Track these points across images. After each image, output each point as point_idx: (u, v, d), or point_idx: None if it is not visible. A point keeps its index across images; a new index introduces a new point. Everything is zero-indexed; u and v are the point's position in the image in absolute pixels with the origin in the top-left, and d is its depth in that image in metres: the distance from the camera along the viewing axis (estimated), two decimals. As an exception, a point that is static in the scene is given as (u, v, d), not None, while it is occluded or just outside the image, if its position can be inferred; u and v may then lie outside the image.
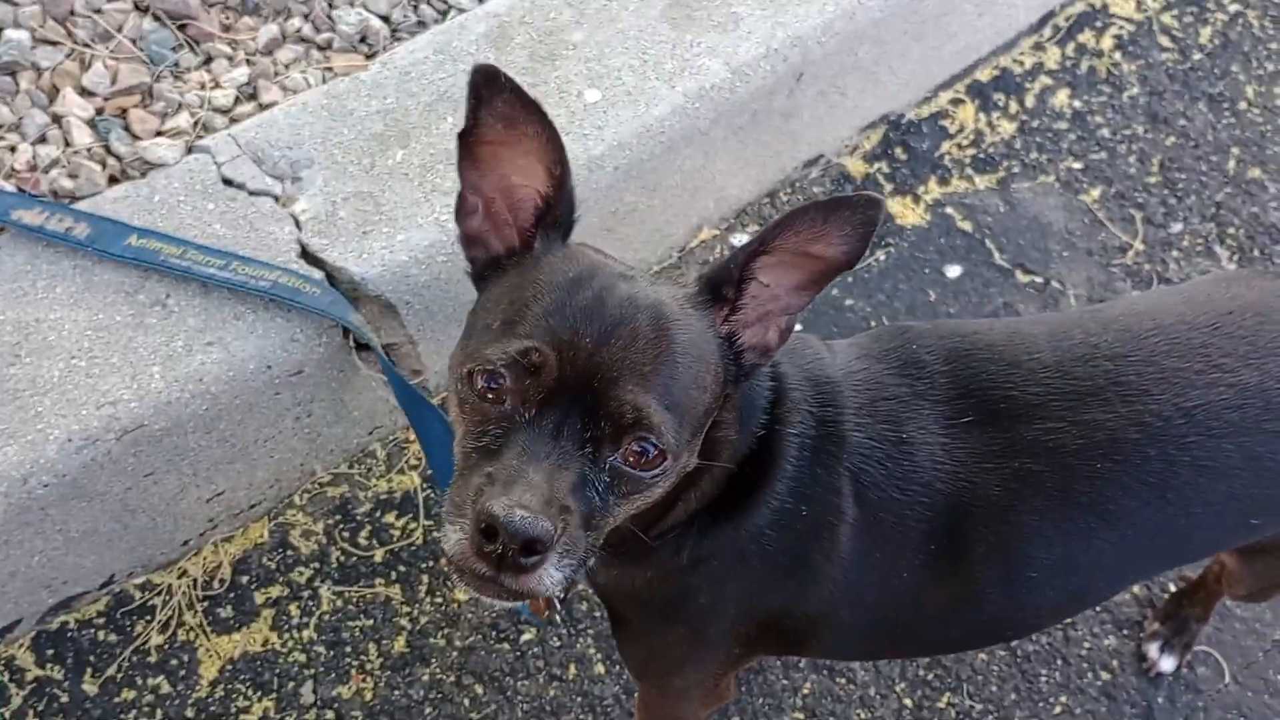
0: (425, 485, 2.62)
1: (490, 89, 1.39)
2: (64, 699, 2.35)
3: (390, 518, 2.59)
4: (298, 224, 2.42)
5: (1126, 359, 1.67)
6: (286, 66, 2.71)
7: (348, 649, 2.46)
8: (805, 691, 2.50)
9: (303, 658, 2.45)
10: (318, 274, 2.36)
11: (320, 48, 2.76)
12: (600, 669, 2.48)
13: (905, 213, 3.16)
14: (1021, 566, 1.67)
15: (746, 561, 1.68)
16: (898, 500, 1.66)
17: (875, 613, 1.76)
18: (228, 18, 2.74)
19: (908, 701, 2.52)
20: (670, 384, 1.37)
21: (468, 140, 1.46)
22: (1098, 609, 2.63)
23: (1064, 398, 1.66)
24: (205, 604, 2.47)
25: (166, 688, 2.39)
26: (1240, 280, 1.82)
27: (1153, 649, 2.58)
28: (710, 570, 1.69)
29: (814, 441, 1.66)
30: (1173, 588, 2.66)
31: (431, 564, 2.55)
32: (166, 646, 2.43)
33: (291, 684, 2.42)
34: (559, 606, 2.00)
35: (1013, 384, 1.68)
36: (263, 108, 2.63)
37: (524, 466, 1.30)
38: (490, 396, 1.36)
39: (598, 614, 2.52)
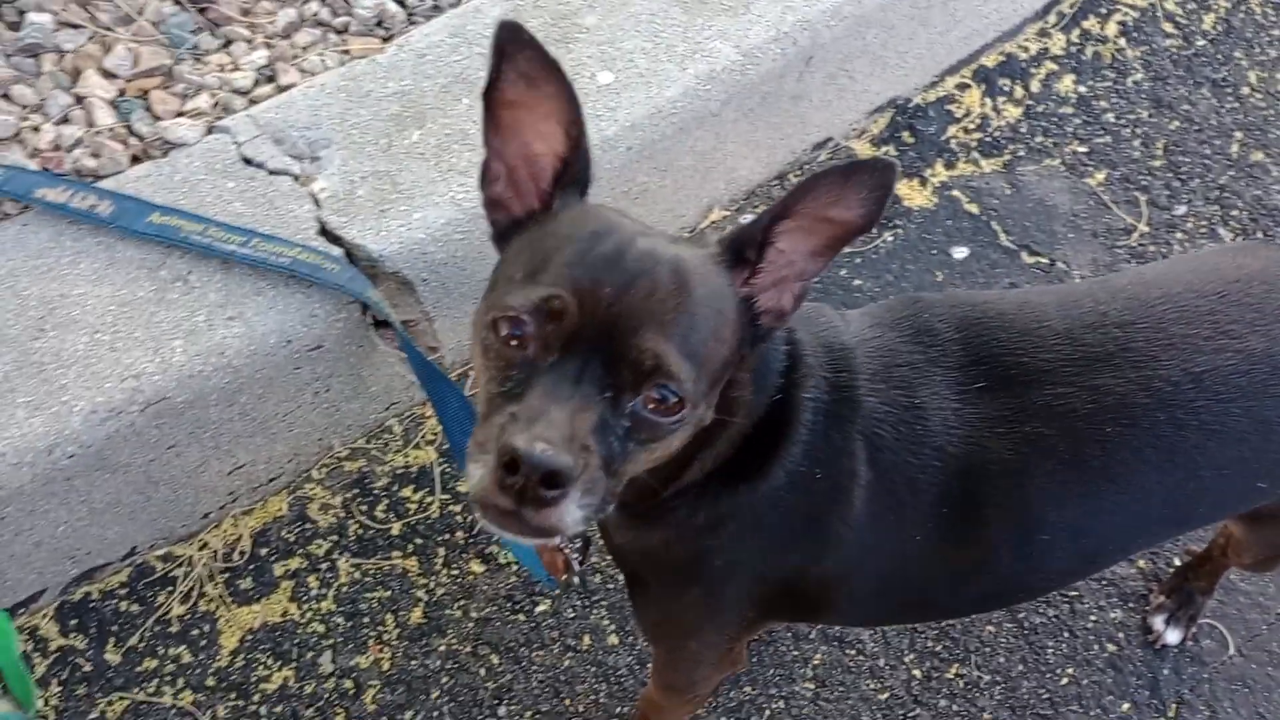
0: (441, 460, 2.66)
1: (514, 45, 1.43)
2: (87, 668, 2.40)
3: (407, 491, 2.63)
4: (316, 202, 2.46)
5: (1135, 326, 1.71)
6: (304, 49, 2.75)
7: (365, 620, 2.50)
8: (816, 662, 2.54)
9: (321, 628, 2.49)
10: (337, 251, 2.40)
11: (337, 31, 2.80)
12: (614, 640, 2.52)
13: (912, 195, 3.20)
14: (1033, 529, 1.71)
15: (762, 523, 1.72)
16: (911, 464, 1.69)
17: (888, 576, 1.80)
18: (247, 1, 2.78)
19: (916, 672, 2.55)
20: (689, 333, 1.40)
21: (491, 99, 1.49)
22: (1103, 582, 2.67)
23: (1074, 364, 1.69)
24: (225, 575, 2.51)
25: (188, 657, 2.43)
26: (1247, 250, 1.85)
27: (1158, 621, 2.61)
28: (727, 531, 1.72)
29: (828, 406, 1.69)
30: (1178, 561, 2.70)
31: (448, 537, 2.59)
32: (188, 617, 2.47)
33: (310, 654, 2.47)
34: (577, 569, 2.03)
35: (1023, 350, 1.71)
36: (281, 90, 2.66)
37: (546, 406, 1.33)
38: (514, 343, 1.40)
39: (611, 585, 2.56)
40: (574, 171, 1.54)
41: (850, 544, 1.74)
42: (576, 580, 2.55)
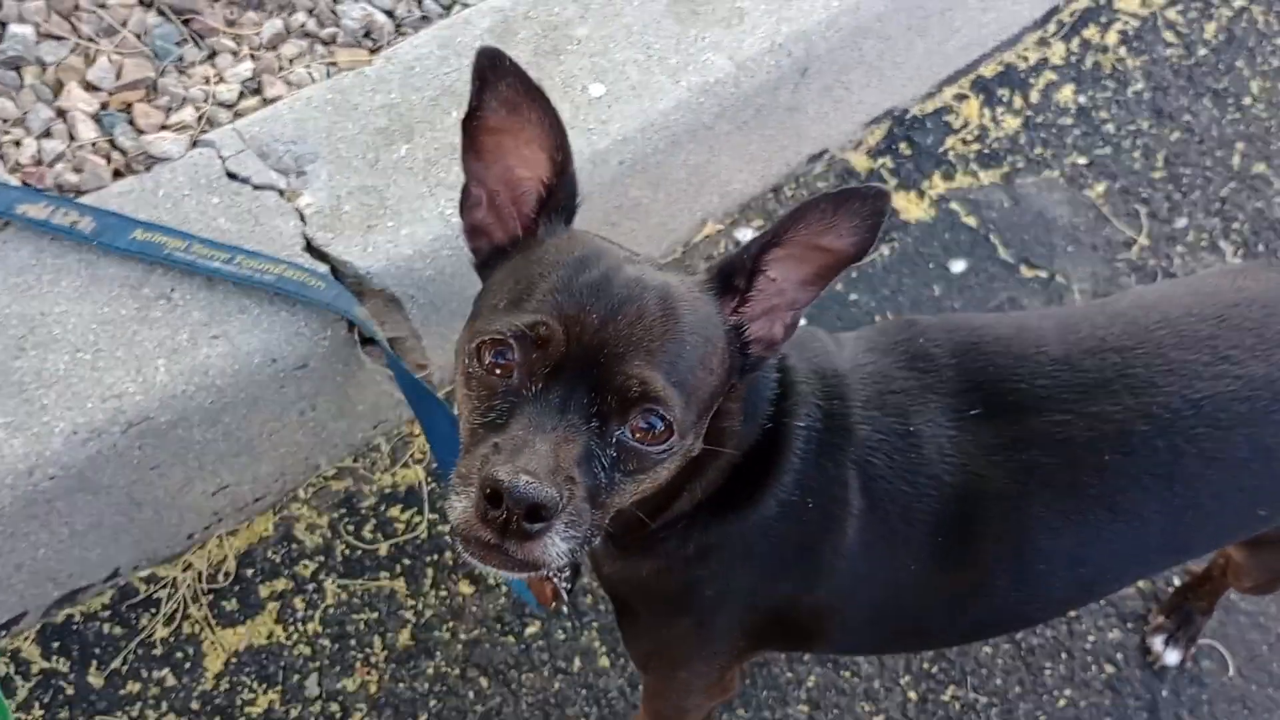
0: (430, 479, 2.62)
1: (495, 72, 1.40)
2: (69, 691, 2.36)
3: (395, 511, 2.59)
4: (302, 218, 2.42)
5: (1134, 351, 1.67)
6: (291, 61, 2.71)
7: (352, 642, 2.47)
8: (810, 684, 2.50)
9: (308, 650, 2.45)
10: (322, 268, 2.36)
11: (324, 42, 2.76)
12: (605, 662, 2.48)
13: (910, 208, 3.16)
14: (1030, 558, 1.67)
15: (753, 553, 1.68)
16: (906, 493, 1.66)
17: (882, 605, 1.76)
18: (232, 12, 2.75)
19: (912, 695, 2.52)
20: (677, 361, 1.37)
21: (471, 126, 1.46)
22: (1102, 603, 2.63)
23: (1072, 390, 1.65)
24: (210, 597, 2.47)
25: (172, 680, 2.40)
26: (1246, 273, 1.82)
27: (1157, 642, 2.58)
28: (717, 561, 1.69)
29: (821, 434, 1.66)
30: (1177, 581, 2.66)
31: (436, 557, 2.56)
32: (172, 639, 2.43)
33: (296, 676, 2.43)
34: (565, 598, 2.00)
35: (1021, 377, 1.68)
36: (267, 102, 2.63)
37: (530, 437, 1.30)
38: (498, 371, 1.37)
39: (602, 607, 2.52)
40: (559, 198, 1.52)
41: (843, 573, 1.70)
42: (565, 609, 2.51)
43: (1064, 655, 2.57)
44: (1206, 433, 1.63)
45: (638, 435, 1.37)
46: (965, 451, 1.66)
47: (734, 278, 1.48)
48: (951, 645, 2.51)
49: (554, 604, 2.05)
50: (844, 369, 1.71)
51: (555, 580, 1.98)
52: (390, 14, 2.80)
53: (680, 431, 1.39)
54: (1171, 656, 2.58)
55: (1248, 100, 3.44)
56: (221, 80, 2.65)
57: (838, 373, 1.70)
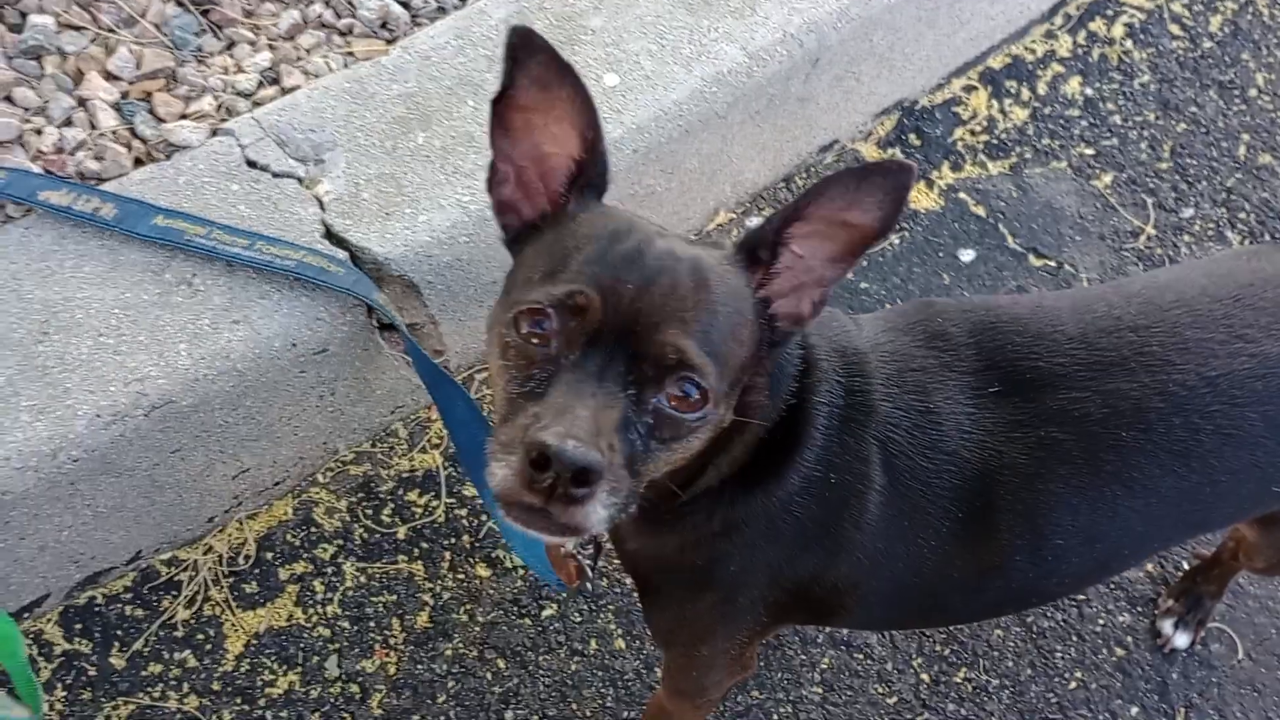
0: (447, 464, 2.65)
1: (526, 51, 1.42)
2: (92, 672, 2.38)
3: (413, 495, 2.62)
4: (321, 205, 2.45)
5: (1150, 330, 1.69)
6: (308, 51, 2.74)
7: (371, 624, 2.49)
8: (823, 666, 2.53)
9: (327, 632, 2.48)
10: (342, 254, 2.39)
11: (341, 33, 2.79)
12: (621, 644, 2.51)
13: (919, 198, 3.19)
14: (1048, 534, 1.70)
15: (777, 528, 1.71)
16: (925, 468, 1.68)
17: (902, 580, 1.78)
18: (250, 3, 2.77)
19: (925, 676, 2.54)
20: (710, 331, 1.40)
21: (501, 106, 1.48)
22: (1112, 586, 2.66)
23: (1089, 368, 1.68)
24: (231, 580, 2.50)
25: (193, 661, 2.42)
26: (1260, 254, 1.84)
27: (1167, 625, 2.60)
28: (741, 536, 1.71)
29: (843, 410, 1.68)
30: (1187, 565, 2.69)
31: (453, 541, 2.58)
32: (193, 621, 2.46)
33: (316, 658, 2.45)
34: (590, 574, 2.02)
35: (1038, 355, 1.70)
36: (285, 92, 2.65)
37: (571, 403, 1.33)
38: (535, 340, 1.39)
39: (618, 589, 2.55)
40: (590, 174, 1.54)
41: (864, 548, 1.73)
42: (589, 585, 2.53)
43: (1074, 638, 2.60)
44: (1222, 410, 1.65)
45: (673, 402, 1.40)
46: (984, 428, 1.69)
47: (758, 249, 1.50)
48: (970, 620, 2.53)
49: (578, 582, 2.07)
50: (864, 347, 1.74)
51: (579, 557, 2.01)
52: (406, 5, 2.83)
53: (714, 400, 1.42)
54: (1181, 640, 2.60)
55: (1253, 92, 3.46)
56: (240, 70, 2.67)
57: (858, 351, 1.73)
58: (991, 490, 1.68)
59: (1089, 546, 1.73)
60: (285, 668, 2.44)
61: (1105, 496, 1.68)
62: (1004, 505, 1.69)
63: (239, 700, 2.40)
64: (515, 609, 2.53)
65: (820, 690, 2.51)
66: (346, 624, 2.49)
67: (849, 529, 1.71)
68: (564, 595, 2.53)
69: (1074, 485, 1.67)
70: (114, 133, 2.52)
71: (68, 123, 2.53)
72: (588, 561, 2.00)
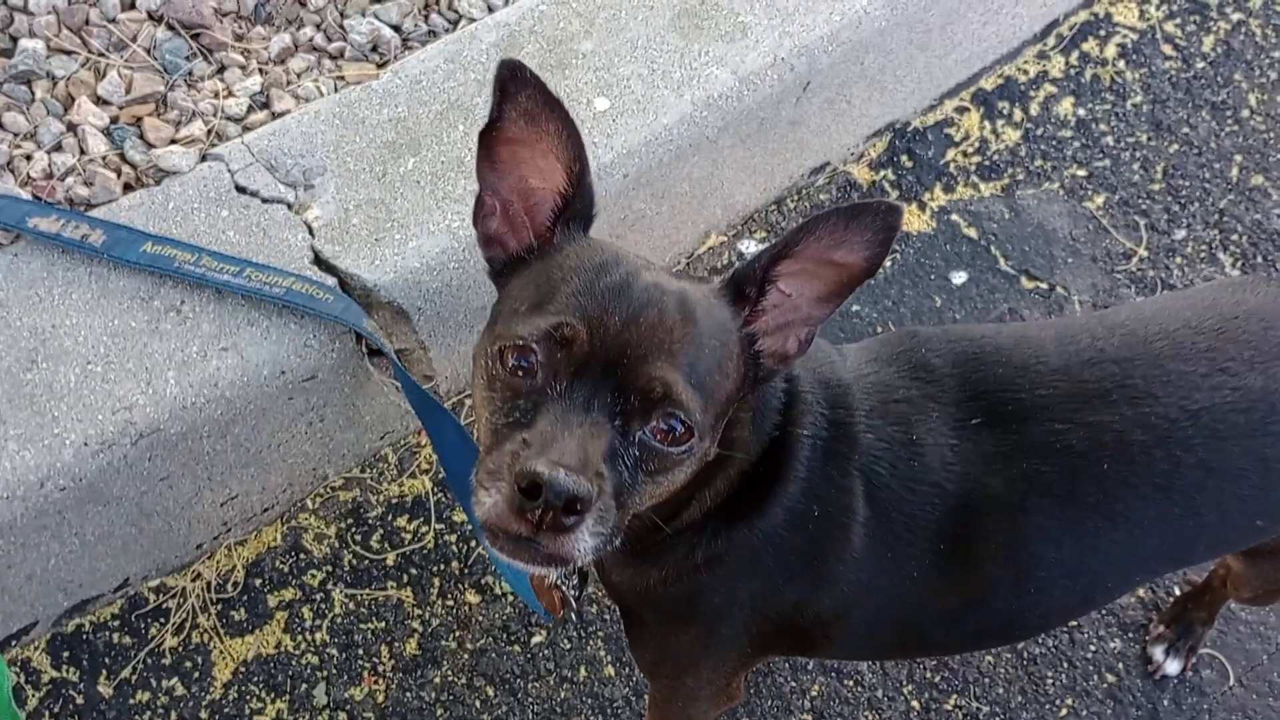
0: (436, 489, 2.64)
1: (515, 83, 1.42)
2: (79, 700, 2.38)
3: (402, 521, 2.61)
4: (310, 231, 2.44)
5: (1132, 362, 1.69)
6: (299, 75, 2.74)
7: (360, 651, 2.48)
8: (813, 694, 2.52)
9: (315, 660, 2.47)
10: (330, 280, 2.38)
11: (332, 57, 2.79)
12: (610, 671, 2.50)
13: (911, 220, 3.18)
14: (1030, 566, 1.69)
15: (760, 561, 1.71)
16: (908, 500, 1.68)
17: (884, 613, 1.79)
18: (240, 27, 2.77)
19: (915, 704, 2.53)
20: (696, 364, 1.40)
21: (489, 138, 1.48)
22: (1103, 612, 2.65)
23: (1071, 400, 1.68)
24: (219, 607, 2.49)
25: (181, 689, 2.41)
26: (1244, 286, 1.84)
27: (1158, 652, 2.59)
28: (724, 569, 1.71)
29: (826, 443, 1.68)
30: (1178, 591, 2.68)
31: (443, 567, 2.58)
32: (180, 649, 2.45)
33: (304, 685, 2.45)
34: (574, 605, 2.02)
35: (1021, 387, 1.70)
36: (275, 116, 2.65)
37: (559, 432, 1.33)
38: (521, 373, 1.39)
39: (608, 616, 2.54)
40: (577, 207, 1.54)
41: (847, 580, 1.73)
42: (573, 616, 2.53)
43: (1065, 664, 2.59)
44: (1204, 443, 1.65)
45: (659, 436, 1.40)
46: (967, 460, 1.68)
47: (745, 286, 1.50)
48: (954, 653, 2.53)
49: (561, 612, 2.07)
50: (847, 379, 1.74)
51: (564, 588, 2.00)
52: (397, 29, 2.83)
53: (699, 433, 1.42)
54: (1172, 666, 2.59)
55: (1245, 113, 3.46)
56: (230, 94, 2.67)
57: (842, 383, 1.73)
58: (974, 522, 1.68)
59: (1072, 579, 1.73)
60: (273, 695, 2.43)
61: (1087, 529, 1.68)
62: (986, 537, 1.69)
63: (227, 728, 2.40)
64: (505, 636, 2.52)
65: (810, 717, 2.50)
66: (335, 651, 2.48)
67: (832, 561, 1.71)
68: (550, 624, 2.52)
69: (1056, 517, 1.67)
70: (104, 158, 2.52)
71: (57, 148, 2.53)
72: (572, 592, 2.00)
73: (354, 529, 2.59)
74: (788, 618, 1.79)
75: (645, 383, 1.37)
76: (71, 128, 2.55)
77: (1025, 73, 3.46)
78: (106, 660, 2.42)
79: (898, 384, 1.74)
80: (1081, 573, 1.72)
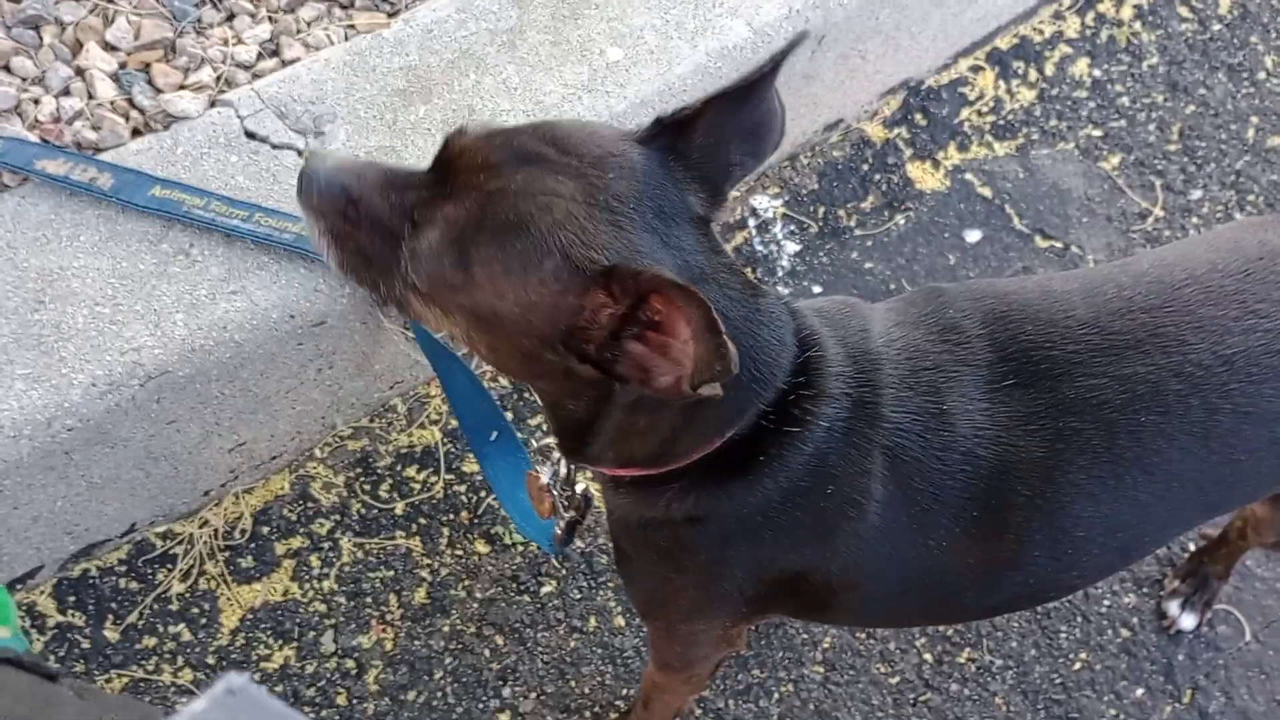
0: (446, 439, 2.62)
1: None
2: (85, 645, 2.36)
3: (411, 471, 2.59)
4: (320, 176, 2.42)
5: (1162, 310, 1.65)
6: (309, 24, 2.71)
7: (368, 600, 2.47)
8: (825, 645, 2.50)
9: (323, 608, 2.45)
10: (341, 225, 2.36)
11: (342, 6, 2.76)
12: (620, 621, 2.48)
13: (925, 178, 3.16)
14: (1068, 527, 1.65)
15: (750, 529, 1.65)
16: (938, 471, 1.62)
17: (909, 582, 1.73)
18: (250, -25, 2.75)
19: (928, 656, 2.52)
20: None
21: None
22: (1118, 567, 2.63)
23: (1103, 353, 1.63)
24: (226, 554, 2.48)
25: (188, 635, 2.40)
26: (1265, 226, 1.81)
27: (1173, 606, 2.57)
28: (707, 532, 1.66)
29: (847, 423, 1.61)
30: (1193, 546, 2.66)
31: (452, 517, 2.56)
32: (188, 595, 2.43)
33: (312, 633, 2.43)
34: (562, 512, 1.93)
35: (1052, 343, 1.65)
36: (285, 64, 2.63)
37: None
38: None
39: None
40: None
41: (865, 554, 1.67)
42: (570, 545, 2.43)
43: (1079, 619, 2.57)
44: (1240, 388, 1.61)
45: None
46: (999, 424, 1.63)
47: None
48: (985, 617, 2.49)
49: (560, 532, 2.00)
50: (876, 348, 1.67)
51: (554, 492, 1.95)
52: (408, -23, 2.80)
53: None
54: (1187, 621, 2.57)
55: (1262, 75, 3.44)
56: (240, 42, 2.65)
57: (869, 355, 1.66)
58: (1008, 486, 1.63)
59: (1110, 536, 1.68)
60: (280, 642, 2.42)
61: (1126, 484, 1.63)
62: (1022, 500, 1.63)
63: (234, 675, 2.37)
64: (514, 585, 2.50)
65: (822, 670, 2.48)
66: (343, 599, 2.47)
67: (846, 535, 1.65)
68: (555, 557, 2.49)
69: (1094, 475, 1.62)
70: (112, 103, 2.50)
71: (65, 92, 2.50)
72: (563, 502, 1.94)
73: (363, 478, 2.57)
74: (789, 582, 1.74)
75: None
76: (79, 72, 2.53)
77: (1041, 32, 3.44)
78: (113, 605, 2.40)
79: (928, 349, 1.68)
80: (1120, 529, 1.68)
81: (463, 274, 1.41)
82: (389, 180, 1.56)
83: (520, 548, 2.53)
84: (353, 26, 2.72)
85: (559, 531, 2.01)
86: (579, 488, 1.87)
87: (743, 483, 1.60)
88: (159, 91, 2.54)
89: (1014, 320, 1.68)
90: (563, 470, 1.93)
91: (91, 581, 2.41)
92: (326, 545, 2.51)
